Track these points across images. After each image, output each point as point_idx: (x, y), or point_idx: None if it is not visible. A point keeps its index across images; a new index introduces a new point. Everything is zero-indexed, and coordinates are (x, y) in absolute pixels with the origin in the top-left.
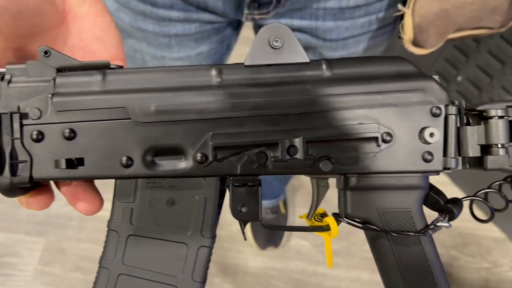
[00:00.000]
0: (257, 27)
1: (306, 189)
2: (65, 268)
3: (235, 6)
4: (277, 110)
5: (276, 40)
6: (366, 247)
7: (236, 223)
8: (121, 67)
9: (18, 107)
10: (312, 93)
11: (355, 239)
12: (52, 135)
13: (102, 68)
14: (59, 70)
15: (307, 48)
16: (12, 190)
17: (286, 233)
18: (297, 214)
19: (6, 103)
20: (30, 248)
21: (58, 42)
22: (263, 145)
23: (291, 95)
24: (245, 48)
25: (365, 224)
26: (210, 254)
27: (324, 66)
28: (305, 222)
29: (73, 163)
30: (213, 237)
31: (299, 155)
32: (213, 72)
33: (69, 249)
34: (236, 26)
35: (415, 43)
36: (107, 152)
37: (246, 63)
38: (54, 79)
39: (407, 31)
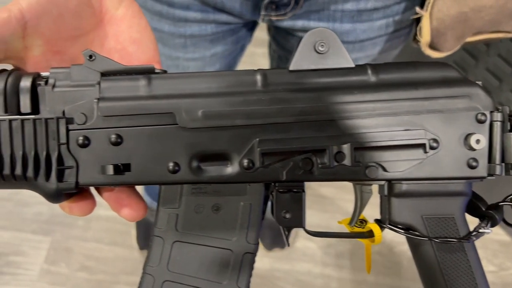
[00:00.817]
0: (271, 28)
1: (312, 190)
2: (71, 268)
3: (252, 7)
4: (324, 115)
5: (322, 45)
6: (373, 248)
7: None
8: (164, 71)
9: (63, 112)
10: (358, 98)
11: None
12: (98, 141)
13: (147, 72)
14: (103, 74)
15: None
16: (58, 196)
17: (292, 235)
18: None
19: (51, 107)
20: (36, 247)
21: (95, 45)
22: (309, 151)
23: (337, 100)
24: (252, 49)
25: (408, 230)
26: (254, 260)
27: (369, 71)
28: (344, 228)
29: (119, 169)
30: (258, 243)
31: (346, 162)
32: (258, 77)
33: (75, 249)
34: (251, 27)
35: (432, 46)
36: (153, 158)
37: (290, 68)
38: (99, 84)
39: (425, 34)
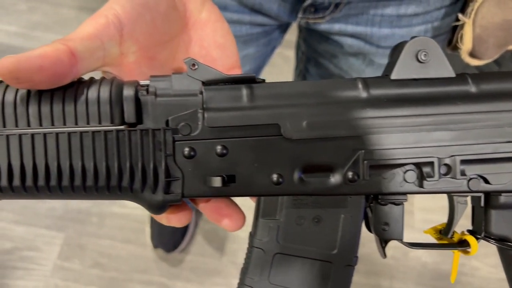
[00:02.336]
0: (303, 30)
1: None
2: (84, 264)
3: (290, 9)
4: (428, 127)
5: (425, 54)
6: (387, 253)
7: None
8: (263, 80)
9: (167, 122)
10: (462, 109)
11: (376, 246)
12: (204, 152)
13: (248, 81)
14: (204, 84)
15: (357, 54)
16: (162, 208)
17: None
18: None
19: (154, 117)
20: (49, 243)
21: (180, 50)
22: (415, 163)
23: (441, 111)
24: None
25: (503, 242)
26: (353, 273)
27: (470, 81)
28: (431, 238)
29: (226, 181)
30: (357, 256)
31: (452, 175)
32: (360, 86)
33: (89, 245)
34: (284, 29)
35: (472, 54)
36: (258, 169)
37: (392, 77)
38: (202, 93)
39: (466, 42)
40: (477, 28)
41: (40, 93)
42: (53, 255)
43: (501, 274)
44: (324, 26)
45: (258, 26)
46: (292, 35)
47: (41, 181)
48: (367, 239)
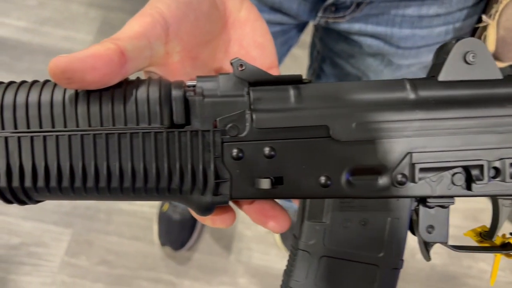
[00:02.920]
0: (320, 29)
1: None
2: (91, 261)
3: (310, 8)
4: (476, 129)
5: (473, 56)
6: None
7: None
8: (309, 81)
9: (215, 123)
10: (509, 112)
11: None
12: (252, 153)
13: (294, 82)
14: (251, 84)
15: (376, 54)
16: (210, 210)
17: None
18: None
19: (202, 118)
20: (57, 239)
21: (220, 49)
22: (463, 166)
23: (490, 114)
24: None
25: None
26: (398, 276)
27: None
28: (471, 240)
29: (274, 183)
30: (403, 259)
31: (501, 177)
32: (408, 87)
33: (96, 242)
34: (301, 28)
35: (495, 56)
36: (306, 171)
37: (440, 78)
38: (249, 94)
39: (490, 44)
40: (501, 30)
41: (89, 93)
42: (61, 251)
43: (509, 277)
44: (343, 25)
45: (276, 25)
46: (303, 34)
47: (90, 183)
48: None
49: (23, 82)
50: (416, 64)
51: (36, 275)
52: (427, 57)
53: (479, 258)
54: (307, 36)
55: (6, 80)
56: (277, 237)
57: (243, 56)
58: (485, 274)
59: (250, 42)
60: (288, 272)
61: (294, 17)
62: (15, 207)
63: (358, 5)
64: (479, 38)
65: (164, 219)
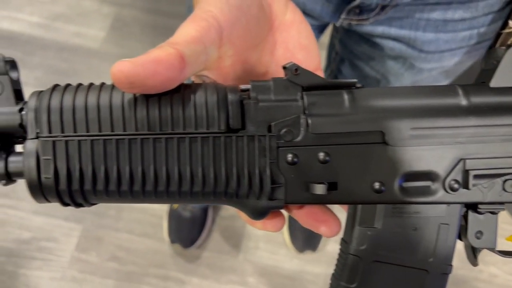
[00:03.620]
0: (340, 31)
1: None
2: (101, 257)
3: (333, 10)
4: None
5: None
6: None
7: None
8: (362, 86)
9: (269, 128)
10: None
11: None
12: (306, 158)
13: (348, 87)
14: (304, 89)
15: (397, 57)
16: (264, 214)
17: (324, 238)
18: None
19: (256, 123)
20: (67, 234)
21: (265, 52)
22: None
23: None
24: None
25: None
26: (447, 281)
27: None
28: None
29: (328, 188)
30: (452, 264)
31: None
32: (460, 93)
33: (106, 238)
34: (322, 29)
35: None
36: (359, 177)
37: (492, 85)
38: (303, 99)
39: None
40: None
41: (147, 98)
42: (71, 247)
43: None
44: (366, 27)
45: None
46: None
47: (149, 186)
48: None
49: (79, 84)
50: (437, 68)
51: (47, 269)
52: (449, 62)
53: (490, 262)
54: (325, 37)
55: (21, 75)
56: (287, 237)
57: (289, 58)
58: (496, 278)
59: (296, 44)
60: (338, 276)
61: (316, 19)
62: (27, 202)
63: (383, 7)
64: (504, 44)
65: (174, 216)
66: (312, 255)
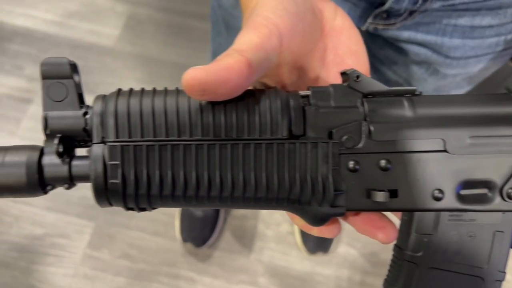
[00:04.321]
0: (365, 35)
1: None
2: (113, 254)
3: (360, 14)
4: None
5: None
6: None
7: (285, 224)
8: (420, 93)
9: (330, 134)
10: None
11: None
12: (367, 165)
13: (408, 94)
14: (364, 95)
15: (421, 62)
16: (325, 221)
17: (335, 240)
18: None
19: (317, 129)
20: (80, 231)
21: (316, 58)
22: None
23: None
24: None
25: None
26: None
27: None
28: None
29: (389, 195)
30: (505, 271)
31: None
32: None
33: (118, 236)
34: None
35: None
36: (419, 184)
37: None
38: (363, 105)
39: None
40: None
41: (213, 103)
42: (83, 244)
43: None
44: (392, 32)
45: None
46: None
47: (214, 192)
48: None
49: (143, 89)
50: (462, 74)
51: (59, 266)
52: (474, 68)
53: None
54: None
55: (34, 72)
56: (298, 238)
57: (339, 64)
58: (508, 283)
59: (346, 50)
60: (392, 282)
61: None
62: (40, 198)
63: (411, 13)
64: None
65: (186, 215)
66: (323, 257)
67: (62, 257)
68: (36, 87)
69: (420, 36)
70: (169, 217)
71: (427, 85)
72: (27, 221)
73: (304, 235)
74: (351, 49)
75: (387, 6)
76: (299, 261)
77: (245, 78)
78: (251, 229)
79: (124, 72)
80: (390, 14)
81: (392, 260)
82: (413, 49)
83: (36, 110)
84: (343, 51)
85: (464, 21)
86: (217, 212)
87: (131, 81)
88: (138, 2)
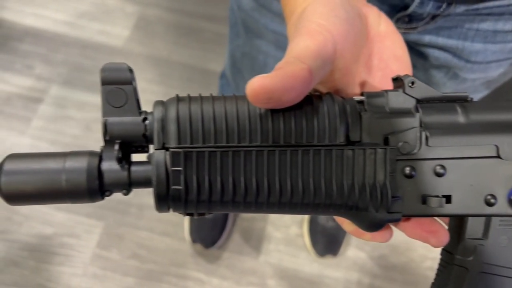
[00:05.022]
0: None
1: None
2: (122, 254)
3: None
4: None
5: None
6: (425, 264)
7: (294, 226)
8: (471, 99)
9: (386, 140)
10: None
11: (414, 255)
12: (423, 171)
13: (460, 100)
14: (418, 101)
15: (441, 66)
16: (380, 227)
17: (344, 243)
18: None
19: (373, 135)
20: (89, 231)
21: (362, 63)
22: None
23: None
24: None
25: None
26: None
27: None
28: None
29: (444, 201)
30: None
31: None
32: None
33: (127, 236)
34: None
35: None
36: (472, 190)
37: None
38: (418, 111)
39: None
40: None
41: (272, 110)
42: (92, 243)
43: None
44: (413, 36)
45: None
46: None
47: (273, 198)
48: (404, 248)
49: (201, 96)
50: (481, 78)
51: (68, 265)
52: (494, 72)
53: None
54: None
55: (44, 71)
56: (307, 240)
57: (383, 69)
58: None
59: (390, 55)
60: (441, 286)
61: None
62: None
63: (434, 17)
64: None
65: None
66: (333, 259)
67: (71, 257)
68: (46, 86)
69: (441, 40)
70: (178, 218)
71: (445, 89)
72: (37, 221)
73: (314, 238)
74: (396, 54)
75: (410, 10)
76: (308, 263)
77: (308, 86)
78: (260, 231)
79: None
80: (412, 18)
81: (441, 265)
82: (433, 53)
83: (46, 110)
84: (387, 56)
85: (487, 25)
86: (226, 214)
87: (141, 82)
88: (148, 3)
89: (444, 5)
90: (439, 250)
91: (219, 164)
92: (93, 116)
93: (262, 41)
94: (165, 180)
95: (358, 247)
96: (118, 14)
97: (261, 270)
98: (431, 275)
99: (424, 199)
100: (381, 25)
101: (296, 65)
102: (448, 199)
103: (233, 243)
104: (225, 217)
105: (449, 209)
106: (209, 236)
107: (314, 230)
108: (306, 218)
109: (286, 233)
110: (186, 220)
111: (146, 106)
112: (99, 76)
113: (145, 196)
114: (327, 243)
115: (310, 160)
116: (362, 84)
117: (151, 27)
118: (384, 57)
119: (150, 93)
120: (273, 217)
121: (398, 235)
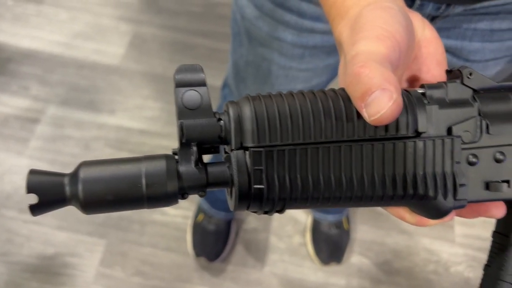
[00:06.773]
0: None
1: None
2: (126, 272)
3: None
4: None
5: None
6: (428, 268)
7: (297, 236)
8: None
9: (449, 130)
10: None
11: (417, 260)
12: (484, 158)
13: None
14: (475, 91)
15: None
16: (447, 213)
17: (348, 250)
18: (358, 231)
19: (436, 125)
20: (91, 250)
21: (408, 67)
22: None
23: None
24: None
25: None
26: None
27: None
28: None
29: (506, 186)
30: None
31: None
32: None
33: (130, 253)
34: None
35: None
36: None
37: None
38: (476, 101)
39: None
40: None
41: (345, 104)
42: (95, 262)
43: None
44: None
45: None
46: None
47: (348, 192)
48: (408, 252)
49: (270, 94)
50: None
51: (71, 285)
52: (492, 70)
53: None
54: None
55: (40, 92)
56: (311, 249)
57: (426, 73)
58: None
59: (433, 60)
60: (499, 266)
61: None
62: (50, 217)
63: (433, 18)
64: None
65: (198, 230)
66: (337, 267)
67: (75, 276)
68: (43, 106)
69: None
70: (181, 232)
71: None
72: (38, 241)
73: (317, 246)
74: (438, 59)
75: None
76: (313, 272)
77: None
78: (263, 242)
79: (130, 90)
80: None
81: (494, 247)
82: None
83: (44, 130)
84: (430, 61)
85: (484, 25)
86: (228, 226)
87: (138, 98)
88: (142, 21)
89: (443, 6)
90: (441, 253)
91: (298, 161)
92: (92, 135)
93: (266, 49)
94: (247, 180)
95: (362, 253)
96: (113, 33)
97: (267, 281)
98: (435, 278)
99: (487, 185)
100: (426, 31)
101: (396, 93)
102: (507, 183)
103: (237, 255)
104: (228, 229)
105: (509, 192)
106: (212, 249)
107: (317, 238)
108: (308, 226)
109: (289, 243)
110: (188, 234)
111: (147, 123)
112: (97, 95)
113: (146, 211)
114: (331, 251)
115: (386, 152)
116: (408, 88)
117: (145, 45)
118: (428, 62)
119: (147, 109)
120: (276, 228)
121: (400, 240)
